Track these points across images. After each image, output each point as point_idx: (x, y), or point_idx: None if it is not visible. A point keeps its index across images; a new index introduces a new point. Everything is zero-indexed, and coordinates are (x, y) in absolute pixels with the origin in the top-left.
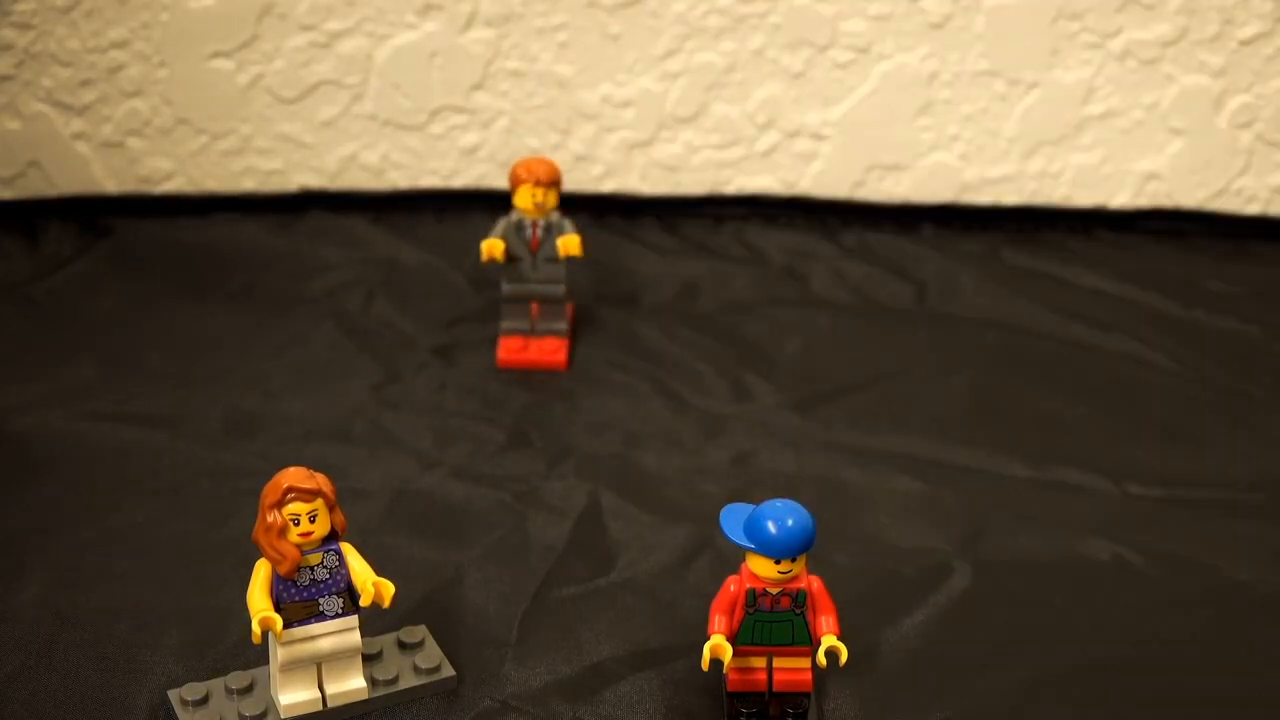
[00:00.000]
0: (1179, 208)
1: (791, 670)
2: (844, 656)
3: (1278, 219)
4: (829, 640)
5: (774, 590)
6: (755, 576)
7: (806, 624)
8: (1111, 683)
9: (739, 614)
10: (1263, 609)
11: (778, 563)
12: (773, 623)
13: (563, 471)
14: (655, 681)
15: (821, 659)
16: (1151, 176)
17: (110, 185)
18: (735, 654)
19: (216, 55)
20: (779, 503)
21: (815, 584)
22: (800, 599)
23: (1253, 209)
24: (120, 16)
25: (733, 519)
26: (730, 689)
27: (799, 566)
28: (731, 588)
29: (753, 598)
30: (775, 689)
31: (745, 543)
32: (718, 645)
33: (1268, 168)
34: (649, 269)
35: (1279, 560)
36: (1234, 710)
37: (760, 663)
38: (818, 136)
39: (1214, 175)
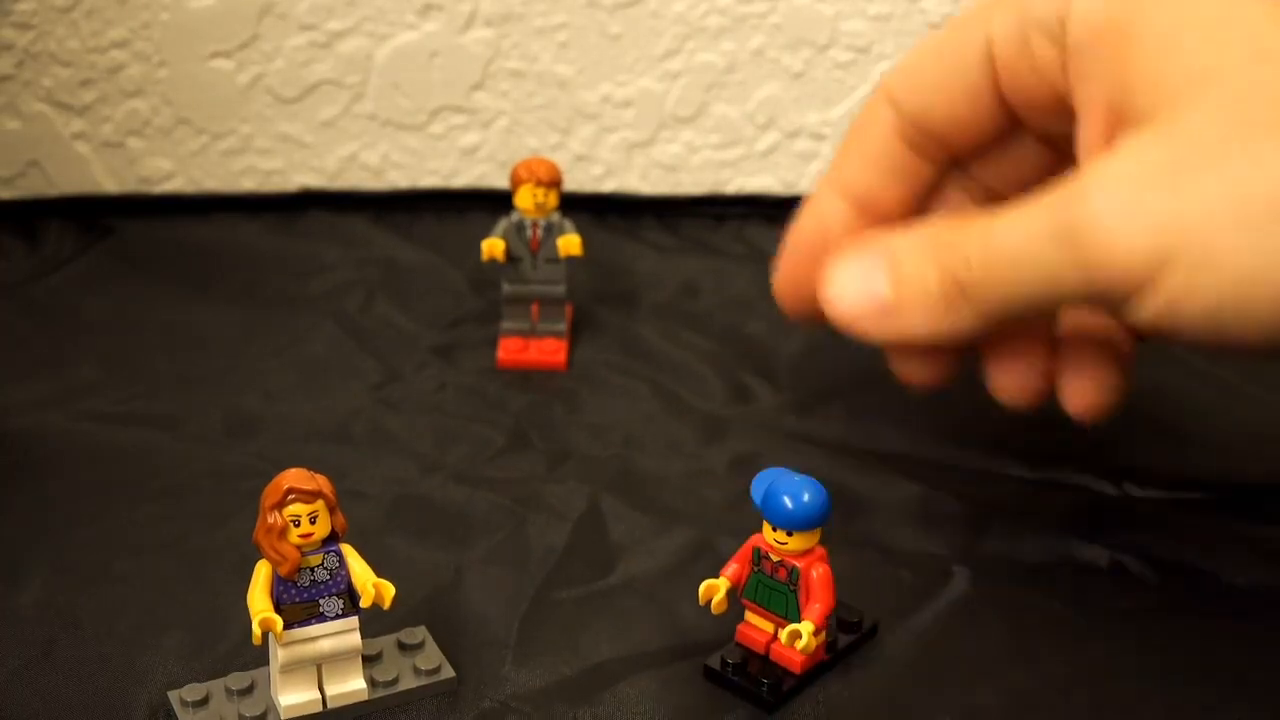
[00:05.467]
0: None
1: (787, 647)
2: (802, 643)
3: None
4: (800, 626)
5: (774, 557)
6: (762, 537)
7: (799, 605)
8: (1111, 686)
9: (746, 568)
10: (1262, 611)
11: (774, 530)
12: (771, 589)
13: (563, 474)
14: (654, 683)
15: (784, 636)
16: None
17: (110, 185)
18: (747, 610)
19: (216, 55)
20: (803, 480)
21: (817, 572)
22: (794, 576)
23: None
24: (120, 16)
25: (765, 478)
26: (736, 638)
27: (798, 543)
28: (751, 542)
29: (758, 556)
30: (770, 657)
31: (756, 499)
32: (710, 584)
33: None
34: (649, 269)
35: (1279, 562)
36: (1234, 712)
37: (767, 628)
38: (818, 136)
39: None
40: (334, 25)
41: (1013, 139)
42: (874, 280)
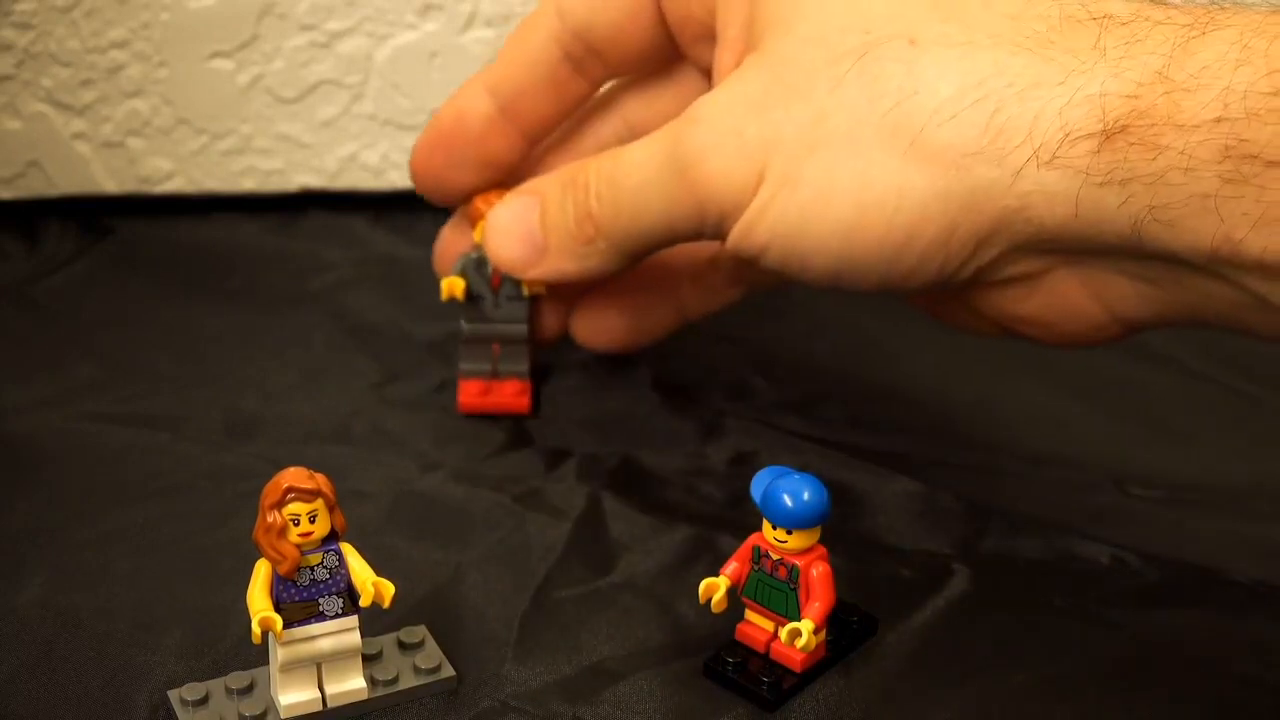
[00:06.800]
0: None
1: (787, 646)
2: (802, 642)
3: None
4: (800, 624)
5: (774, 555)
6: (762, 536)
7: (799, 603)
8: (1111, 684)
9: (746, 567)
10: (1262, 609)
11: (774, 528)
12: (771, 587)
13: (562, 472)
14: (654, 682)
15: (784, 635)
16: None
17: (110, 185)
18: (748, 609)
19: (216, 55)
20: (802, 478)
21: (817, 571)
22: (794, 574)
23: None
24: (120, 16)
25: (765, 477)
26: (736, 636)
27: (798, 542)
28: (751, 540)
29: (758, 555)
30: (771, 655)
31: (756, 498)
32: (710, 582)
33: None
34: None
35: (1279, 560)
36: (1234, 711)
37: (768, 626)
38: None
39: None
40: (334, 25)
41: (675, 71)
42: (529, 224)
